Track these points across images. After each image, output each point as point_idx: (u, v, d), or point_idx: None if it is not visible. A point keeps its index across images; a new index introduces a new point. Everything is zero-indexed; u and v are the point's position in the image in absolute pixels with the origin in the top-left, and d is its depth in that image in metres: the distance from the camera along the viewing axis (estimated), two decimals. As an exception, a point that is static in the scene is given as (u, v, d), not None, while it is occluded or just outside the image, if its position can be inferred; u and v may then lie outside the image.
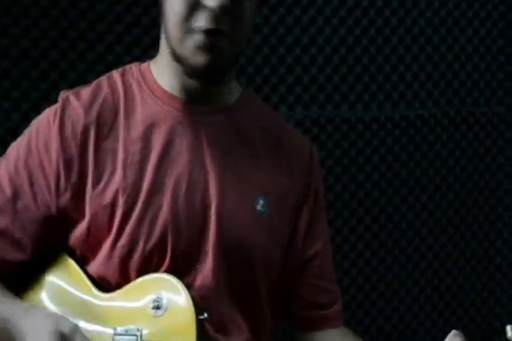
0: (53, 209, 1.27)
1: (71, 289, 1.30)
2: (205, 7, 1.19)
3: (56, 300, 1.30)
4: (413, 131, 2.32)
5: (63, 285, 1.31)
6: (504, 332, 1.12)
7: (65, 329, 1.14)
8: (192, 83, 1.29)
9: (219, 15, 1.19)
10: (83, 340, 1.14)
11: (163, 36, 1.29)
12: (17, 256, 1.29)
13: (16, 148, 1.31)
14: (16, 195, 1.28)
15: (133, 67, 1.36)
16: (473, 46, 2.39)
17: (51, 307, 1.30)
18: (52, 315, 1.20)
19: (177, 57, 1.25)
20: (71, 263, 1.32)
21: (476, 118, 2.41)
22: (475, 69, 2.41)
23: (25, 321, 1.18)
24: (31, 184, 1.27)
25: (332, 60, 2.20)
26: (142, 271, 1.26)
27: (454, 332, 1.18)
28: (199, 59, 1.22)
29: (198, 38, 1.20)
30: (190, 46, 1.21)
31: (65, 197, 1.27)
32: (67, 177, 1.26)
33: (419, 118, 2.32)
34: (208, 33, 1.20)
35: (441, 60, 2.35)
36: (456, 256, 2.42)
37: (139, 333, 1.21)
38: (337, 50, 2.20)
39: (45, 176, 1.27)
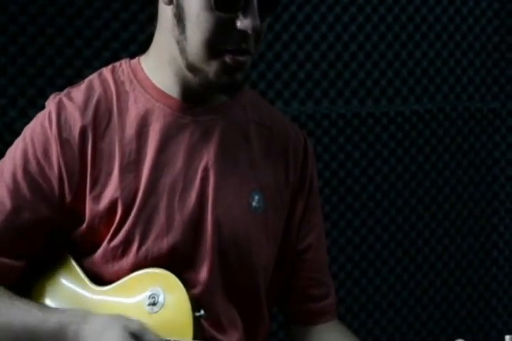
0: (57, 215, 1.27)
1: (67, 283, 1.31)
2: (237, 29, 1.18)
3: (54, 294, 1.31)
4: (409, 127, 2.32)
5: (60, 279, 1.31)
6: None
7: (135, 328, 1.15)
8: (190, 83, 1.26)
9: (250, 36, 1.18)
10: (153, 336, 1.14)
11: (165, 40, 1.26)
12: (20, 264, 1.29)
13: (11, 160, 1.28)
14: (17, 208, 1.25)
15: (123, 64, 1.34)
16: (468, 42, 2.39)
17: (49, 303, 1.30)
18: (114, 317, 1.18)
19: (194, 70, 1.23)
20: (67, 256, 1.32)
21: (471, 114, 2.41)
22: (470, 65, 2.41)
23: (85, 326, 1.17)
24: (33, 193, 1.25)
25: (328, 56, 2.19)
26: (136, 271, 1.25)
27: None
28: (224, 79, 1.20)
29: (226, 60, 1.19)
30: (217, 67, 1.20)
31: (68, 202, 1.26)
32: (70, 181, 1.25)
33: (414, 113, 2.33)
34: (236, 52, 1.19)
35: (437, 56, 2.35)
36: (452, 250, 2.42)
37: None
38: (333, 46, 2.20)
39: (47, 182, 1.25)
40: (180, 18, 1.21)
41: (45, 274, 1.33)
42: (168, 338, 1.18)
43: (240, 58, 1.20)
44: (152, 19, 1.32)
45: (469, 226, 2.45)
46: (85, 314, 1.20)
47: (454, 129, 2.39)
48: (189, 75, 1.25)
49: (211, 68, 1.20)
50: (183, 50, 1.22)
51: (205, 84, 1.24)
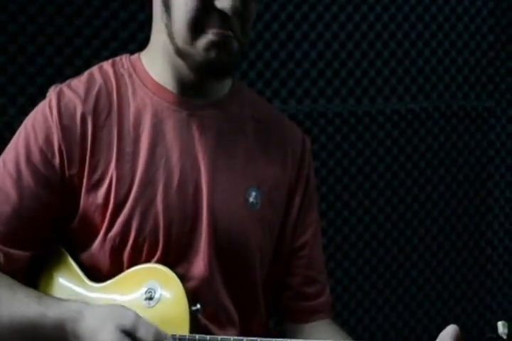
0: (61, 202, 1.27)
1: (64, 281, 1.31)
2: (217, 9, 1.20)
3: (52, 292, 1.31)
4: (404, 125, 2.34)
5: (57, 277, 1.32)
6: (496, 329, 1.11)
7: (127, 323, 1.14)
8: (188, 77, 1.29)
9: (231, 17, 1.20)
10: (147, 329, 1.13)
11: (158, 29, 1.29)
12: (26, 255, 1.29)
13: (13, 150, 1.29)
14: (22, 197, 1.26)
15: (123, 58, 1.36)
16: (463, 41, 2.41)
17: None
18: (109, 313, 1.17)
19: (182, 54, 1.25)
20: (64, 253, 1.32)
21: (466, 112, 2.43)
22: (465, 64, 2.43)
23: (82, 324, 1.17)
24: (36, 181, 1.26)
25: (324, 54, 2.21)
26: (134, 262, 1.26)
27: (451, 326, 1.17)
28: (210, 55, 1.22)
29: (209, 39, 1.21)
30: (201, 46, 1.22)
31: (69, 189, 1.27)
32: (70, 168, 1.26)
33: (410, 112, 2.34)
34: (219, 34, 1.21)
35: (432, 54, 2.37)
36: (447, 248, 2.44)
37: None
38: (329, 45, 2.21)
39: (50, 170, 1.26)
40: (166, 3, 1.24)
41: (42, 272, 1.34)
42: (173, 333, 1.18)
43: (224, 32, 1.21)
44: (151, 18, 1.33)
45: (464, 223, 2.47)
46: (81, 309, 1.19)
47: (449, 127, 2.41)
48: (180, 62, 1.27)
49: (197, 49, 1.23)
50: (170, 35, 1.25)
51: (193, 67, 1.26)
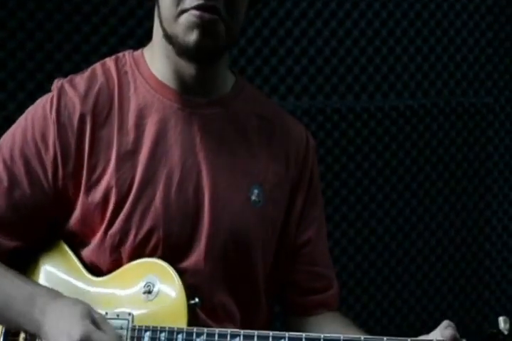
0: (50, 197, 1.28)
1: (65, 275, 1.32)
2: None
3: (51, 286, 1.30)
4: (403, 121, 2.35)
5: (58, 271, 1.33)
6: (497, 324, 1.10)
7: (96, 316, 1.16)
8: (184, 68, 1.28)
9: None
10: (110, 330, 1.16)
11: (156, 21, 1.29)
12: (13, 243, 1.31)
13: (11, 137, 1.31)
14: (12, 184, 1.28)
15: (126, 55, 1.35)
16: (462, 38, 2.42)
17: None
18: (81, 302, 1.20)
19: (169, 38, 1.25)
20: (65, 248, 1.33)
21: (465, 109, 2.44)
22: (464, 60, 2.43)
23: (52, 303, 1.19)
24: (28, 172, 1.28)
25: (323, 51, 2.22)
26: (134, 259, 1.27)
27: (445, 322, 1.16)
28: (191, 36, 1.21)
29: (190, 15, 1.20)
30: (183, 24, 1.21)
31: (62, 186, 1.28)
32: (64, 166, 1.27)
33: (408, 108, 2.35)
34: (200, 8, 1.19)
35: (431, 51, 2.37)
36: (445, 244, 2.44)
37: (130, 317, 1.22)
38: (328, 42, 2.22)
39: (42, 165, 1.28)
40: None
41: (43, 266, 1.35)
42: (162, 325, 1.20)
43: (205, 15, 1.20)
44: (150, 14, 1.34)
45: (462, 219, 2.47)
46: (57, 294, 1.23)
47: (447, 124, 2.41)
48: (172, 51, 1.26)
49: (179, 27, 1.22)
50: (161, 23, 1.25)
51: (179, 51, 1.25)
